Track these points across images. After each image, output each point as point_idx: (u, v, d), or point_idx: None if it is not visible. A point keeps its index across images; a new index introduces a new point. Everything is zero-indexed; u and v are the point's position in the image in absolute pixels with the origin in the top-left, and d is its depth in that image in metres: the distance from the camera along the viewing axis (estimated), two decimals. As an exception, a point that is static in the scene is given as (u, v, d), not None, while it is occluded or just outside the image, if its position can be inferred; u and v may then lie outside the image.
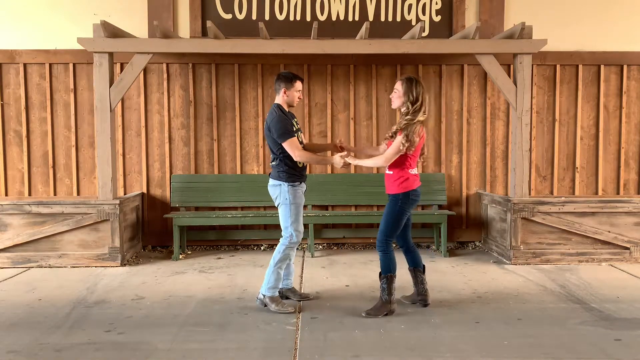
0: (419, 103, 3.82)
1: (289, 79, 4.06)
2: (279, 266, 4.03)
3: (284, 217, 4.06)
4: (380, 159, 3.92)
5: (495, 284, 4.77)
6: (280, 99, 4.09)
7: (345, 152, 4.09)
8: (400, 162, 3.86)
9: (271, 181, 4.10)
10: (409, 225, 4.11)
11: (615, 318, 3.83)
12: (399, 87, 3.89)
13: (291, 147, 3.95)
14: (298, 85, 4.09)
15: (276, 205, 4.11)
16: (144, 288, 4.67)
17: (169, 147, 6.28)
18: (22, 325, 3.72)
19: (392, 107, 4.03)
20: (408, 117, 3.81)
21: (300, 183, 4.08)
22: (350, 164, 3.98)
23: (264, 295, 4.02)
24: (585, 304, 4.15)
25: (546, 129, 6.45)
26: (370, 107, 6.36)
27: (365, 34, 5.41)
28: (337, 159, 4.00)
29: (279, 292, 4.20)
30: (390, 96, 4.00)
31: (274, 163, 4.08)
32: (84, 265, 5.40)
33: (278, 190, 4.05)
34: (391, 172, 3.90)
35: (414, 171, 3.90)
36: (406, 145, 3.76)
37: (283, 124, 3.96)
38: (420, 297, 4.09)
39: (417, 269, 4.10)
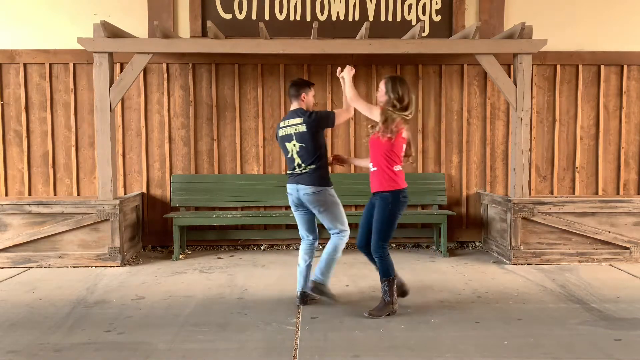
0: (405, 102, 3.86)
1: (307, 85, 4.18)
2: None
3: (337, 218, 4.05)
4: (349, 95, 4.03)
5: (495, 284, 4.77)
6: (299, 103, 4.13)
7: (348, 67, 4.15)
8: (382, 158, 3.86)
9: (310, 188, 3.94)
10: None
11: (615, 318, 3.83)
12: (382, 86, 3.95)
13: (340, 113, 4.09)
14: (312, 90, 4.21)
15: (318, 212, 4.01)
16: (144, 288, 4.67)
17: (169, 147, 6.28)
18: (22, 325, 3.72)
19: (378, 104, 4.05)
20: (391, 109, 3.84)
21: None
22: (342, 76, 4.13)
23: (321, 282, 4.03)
24: (585, 304, 4.15)
25: (546, 129, 6.45)
26: (370, 107, 6.35)
27: (365, 34, 5.41)
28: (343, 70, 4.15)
29: (301, 293, 4.15)
30: (377, 94, 4.06)
31: (312, 166, 3.96)
32: (84, 265, 5.41)
33: (323, 197, 3.97)
34: (375, 169, 3.92)
35: (398, 168, 3.89)
36: (381, 121, 3.78)
37: (322, 111, 4.08)
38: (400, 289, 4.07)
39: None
